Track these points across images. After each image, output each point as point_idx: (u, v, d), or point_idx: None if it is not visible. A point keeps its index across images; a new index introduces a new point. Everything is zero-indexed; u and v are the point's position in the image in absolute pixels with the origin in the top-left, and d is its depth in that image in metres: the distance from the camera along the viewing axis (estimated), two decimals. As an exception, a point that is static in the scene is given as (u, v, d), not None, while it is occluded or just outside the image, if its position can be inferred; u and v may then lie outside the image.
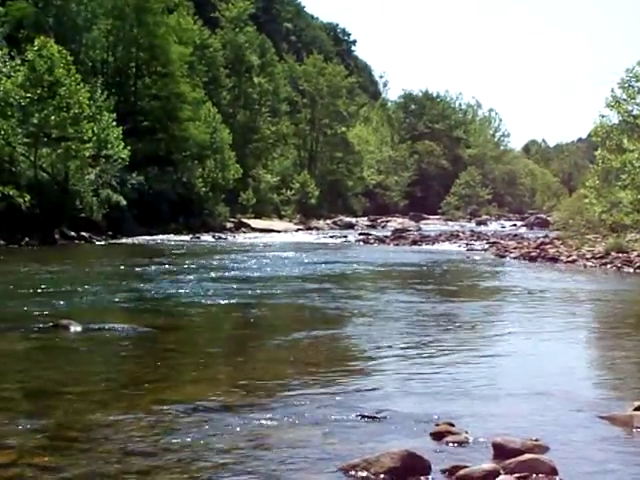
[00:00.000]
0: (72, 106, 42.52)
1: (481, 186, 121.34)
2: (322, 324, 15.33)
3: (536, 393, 9.48)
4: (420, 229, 68.27)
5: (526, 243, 42.00)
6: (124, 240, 44.63)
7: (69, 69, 43.43)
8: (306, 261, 31.59)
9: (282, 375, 10.40)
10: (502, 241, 46.09)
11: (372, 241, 49.22)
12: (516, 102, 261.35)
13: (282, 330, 14.79)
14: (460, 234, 56.66)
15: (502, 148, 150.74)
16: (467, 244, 45.14)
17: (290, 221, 74.61)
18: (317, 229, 69.15)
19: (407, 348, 12.57)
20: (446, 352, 12.24)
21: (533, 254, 34.18)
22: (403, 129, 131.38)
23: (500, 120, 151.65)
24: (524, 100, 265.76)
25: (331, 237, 55.08)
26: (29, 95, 41.49)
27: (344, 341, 13.67)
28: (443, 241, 48.73)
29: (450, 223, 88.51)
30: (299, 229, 66.92)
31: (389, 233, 57.84)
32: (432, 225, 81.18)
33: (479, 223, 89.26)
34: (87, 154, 44.20)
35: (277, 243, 46.26)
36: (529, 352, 12.80)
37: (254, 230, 61.99)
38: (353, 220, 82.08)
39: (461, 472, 6.33)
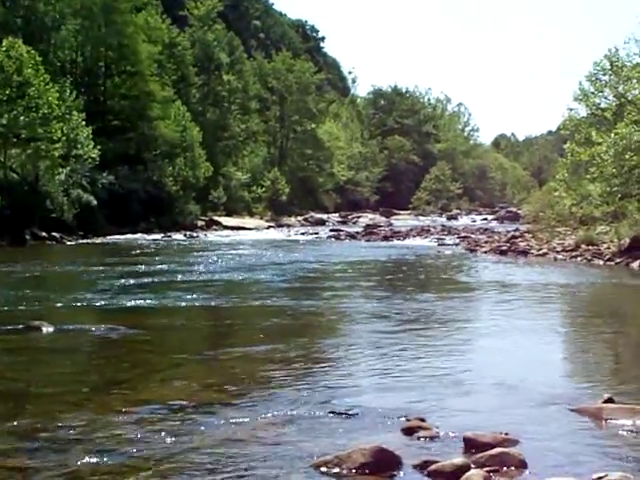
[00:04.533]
0: (41, 106, 42.28)
1: (451, 181, 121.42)
2: (294, 322, 15.39)
3: (507, 387, 9.58)
4: (391, 224, 68.34)
5: (497, 237, 42.30)
6: (95, 240, 44.40)
7: (38, 69, 43.19)
8: (277, 259, 31.58)
9: (254, 373, 10.43)
10: (473, 235, 46.33)
11: (343, 237, 49.33)
12: (485, 96, 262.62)
13: (255, 329, 14.81)
14: (431, 229, 56.94)
15: (472, 142, 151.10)
16: (438, 239, 45.32)
17: (261, 218, 74.39)
18: (288, 226, 68.96)
19: (378, 344, 12.62)
20: (417, 348, 12.32)
21: (504, 248, 34.41)
22: (373, 125, 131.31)
23: (469, 114, 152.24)
24: (493, 94, 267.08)
25: (302, 234, 54.85)
26: (-2, 96, 41.27)
27: (316, 339, 13.72)
28: (414, 236, 48.86)
29: (421, 218, 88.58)
30: (270, 226, 66.78)
31: (360, 229, 57.98)
32: (403, 220, 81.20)
33: (450, 218, 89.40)
34: (57, 154, 43.97)
35: (248, 241, 46.17)
36: (499, 346, 12.91)
37: (225, 228, 61.70)
38: (324, 216, 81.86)
39: (432, 467, 6.39)
